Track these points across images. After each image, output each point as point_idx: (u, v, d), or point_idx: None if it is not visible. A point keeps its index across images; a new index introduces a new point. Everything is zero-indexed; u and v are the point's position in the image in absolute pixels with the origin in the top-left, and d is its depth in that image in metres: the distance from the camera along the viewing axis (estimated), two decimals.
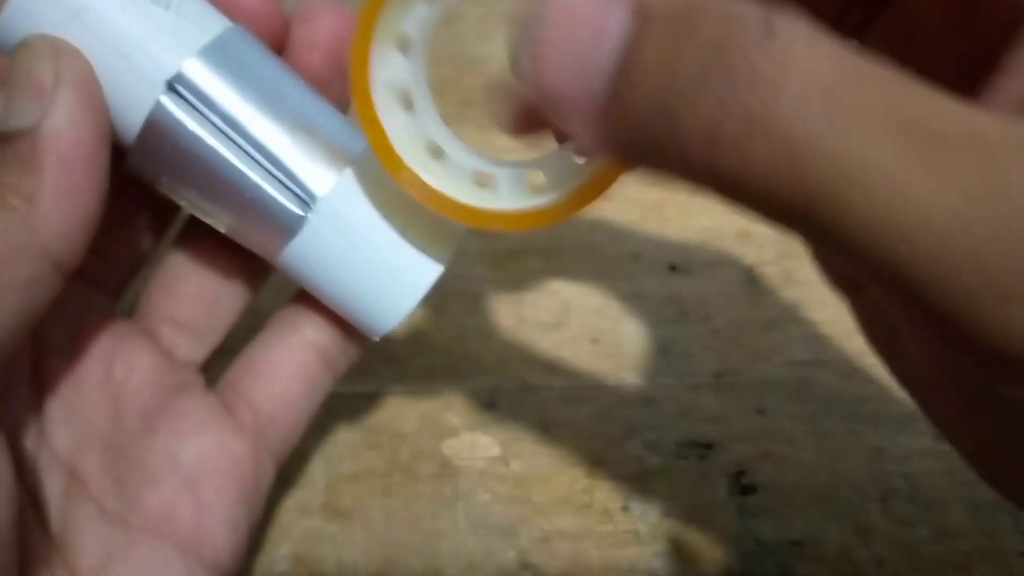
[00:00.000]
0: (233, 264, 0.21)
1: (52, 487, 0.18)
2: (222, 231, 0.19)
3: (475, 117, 0.40)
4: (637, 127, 0.12)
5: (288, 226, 0.18)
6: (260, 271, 0.22)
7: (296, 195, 0.18)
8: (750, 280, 0.30)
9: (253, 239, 0.19)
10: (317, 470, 0.26)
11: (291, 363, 0.20)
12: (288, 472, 0.26)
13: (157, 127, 0.17)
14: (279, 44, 0.20)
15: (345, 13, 0.20)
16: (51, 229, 0.15)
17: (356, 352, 0.22)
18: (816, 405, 0.27)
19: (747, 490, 0.26)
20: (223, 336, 0.21)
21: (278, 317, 0.21)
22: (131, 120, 0.17)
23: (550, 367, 0.28)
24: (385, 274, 0.18)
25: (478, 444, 0.27)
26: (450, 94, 0.41)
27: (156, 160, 0.18)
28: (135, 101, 0.17)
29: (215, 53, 0.17)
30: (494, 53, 0.44)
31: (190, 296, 0.21)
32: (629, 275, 0.30)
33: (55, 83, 0.16)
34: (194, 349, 0.21)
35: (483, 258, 0.31)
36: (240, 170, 0.17)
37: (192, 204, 0.18)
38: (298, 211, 0.18)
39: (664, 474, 0.26)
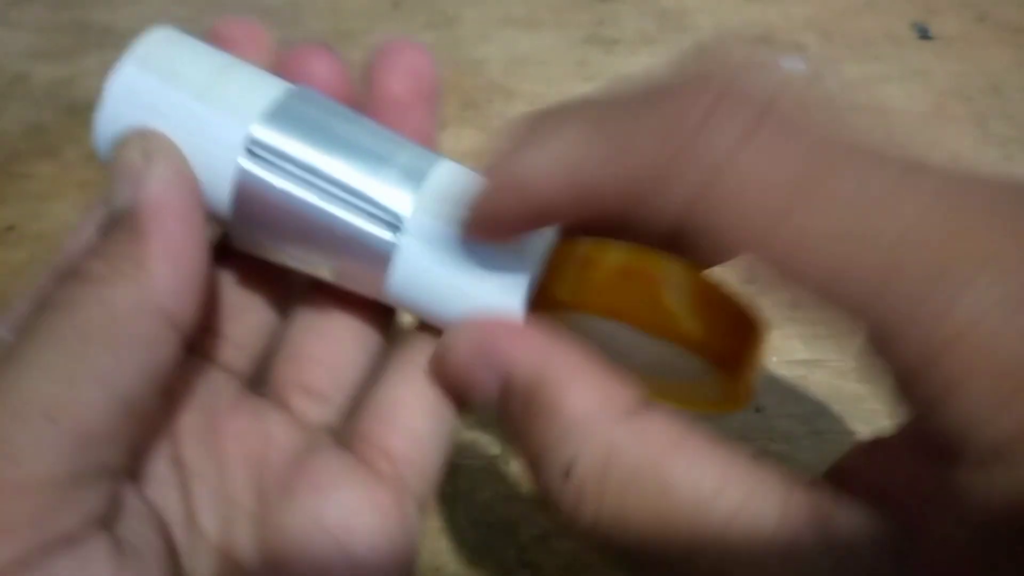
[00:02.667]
0: (351, 321, 0.21)
1: (205, 572, 0.18)
2: (330, 280, 0.19)
3: (475, 118, 0.41)
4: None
5: (383, 252, 0.18)
6: (379, 320, 0.21)
7: (383, 220, 0.18)
8: (749, 280, 0.31)
9: (358, 279, 0.19)
10: None
11: (417, 402, 0.20)
12: None
13: (245, 191, 0.18)
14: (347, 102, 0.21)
15: (422, 47, 0.21)
16: (161, 287, 0.17)
17: None
18: (813, 404, 0.28)
19: None
20: (353, 393, 0.21)
21: (395, 358, 0.21)
22: (221, 193, 0.18)
23: None
24: (487, 279, 0.18)
25: (478, 442, 0.27)
26: (450, 96, 0.41)
27: (252, 224, 0.19)
28: (220, 173, 0.18)
29: (279, 111, 0.18)
30: (493, 55, 0.44)
31: (315, 362, 0.21)
32: None
33: (145, 161, 0.18)
34: (325, 412, 0.21)
35: None
36: (326, 210, 0.18)
37: (295, 259, 0.19)
38: (388, 235, 0.18)
39: None
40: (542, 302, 0.18)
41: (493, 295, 0.18)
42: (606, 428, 0.16)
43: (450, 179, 0.18)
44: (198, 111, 0.18)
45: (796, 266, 0.14)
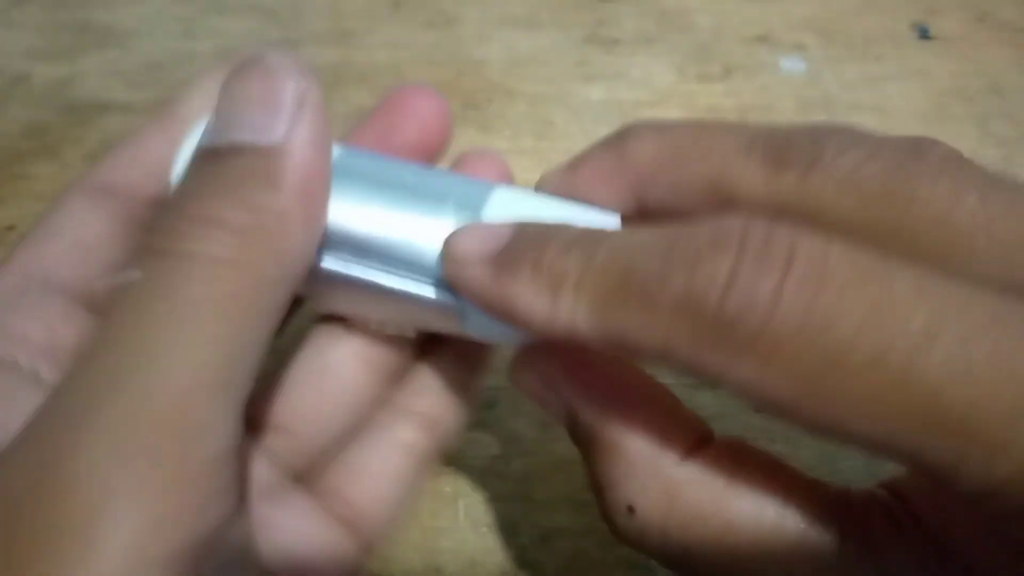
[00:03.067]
0: (348, 366, 0.21)
1: None
2: (413, 335, 0.20)
3: (476, 119, 0.41)
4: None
5: (453, 312, 0.18)
6: (379, 367, 0.21)
7: (446, 288, 0.18)
8: None
9: (437, 327, 0.19)
10: None
11: (386, 468, 0.20)
12: None
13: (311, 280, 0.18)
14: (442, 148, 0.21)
15: (436, 93, 0.21)
16: (297, 251, 0.16)
17: (454, 435, 0.22)
18: None
19: None
20: (330, 436, 0.21)
21: (374, 420, 0.21)
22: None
23: None
24: None
25: (479, 443, 0.27)
26: (450, 96, 0.41)
27: (319, 301, 0.19)
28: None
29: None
30: (494, 55, 0.44)
31: (300, 400, 0.20)
32: None
33: (297, 106, 0.16)
34: (294, 448, 0.20)
35: None
36: (387, 287, 0.18)
37: (372, 321, 0.20)
38: (453, 299, 0.18)
39: None
40: None
41: None
42: (667, 471, 0.17)
43: (504, 210, 0.18)
44: None
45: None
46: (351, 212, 0.18)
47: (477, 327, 0.18)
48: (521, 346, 0.19)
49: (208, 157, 0.16)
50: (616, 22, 0.47)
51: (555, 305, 0.15)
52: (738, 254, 0.13)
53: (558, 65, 0.44)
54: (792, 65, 0.43)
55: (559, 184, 0.20)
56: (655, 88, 0.42)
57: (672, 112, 0.40)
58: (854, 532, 0.16)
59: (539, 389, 0.18)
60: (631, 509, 0.17)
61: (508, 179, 0.22)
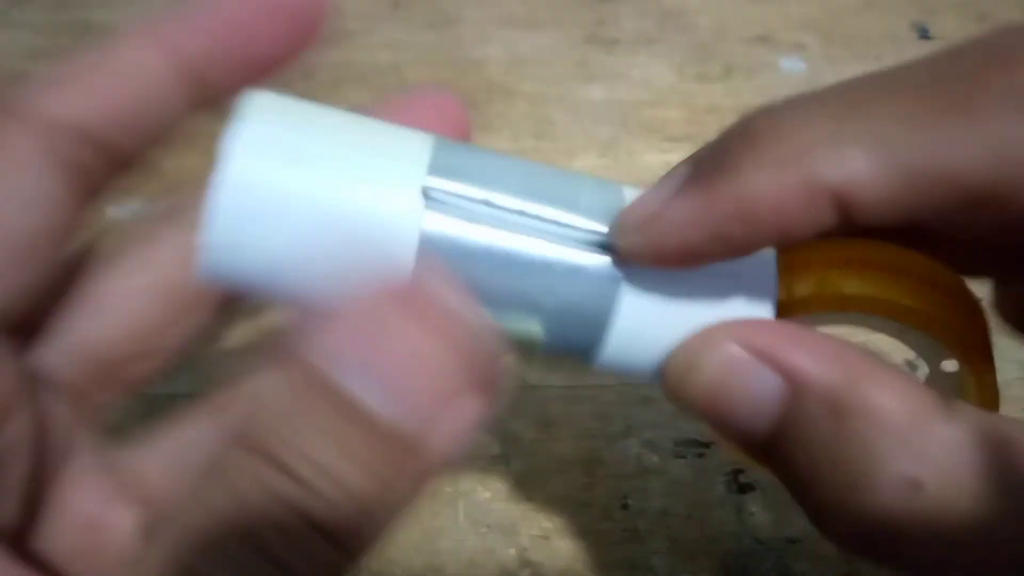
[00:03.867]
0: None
1: None
2: (542, 339, 0.15)
3: (475, 118, 0.41)
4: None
5: (606, 281, 0.15)
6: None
7: (600, 245, 0.15)
8: None
9: (576, 326, 0.15)
10: None
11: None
12: None
13: (434, 251, 0.14)
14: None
15: (450, 94, 0.19)
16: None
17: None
18: None
19: (745, 488, 0.26)
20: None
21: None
22: (403, 262, 0.14)
23: (550, 366, 0.28)
24: (731, 295, 0.15)
25: (478, 443, 0.27)
26: None
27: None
28: (400, 242, 0.14)
29: (441, 159, 0.15)
30: (494, 55, 0.44)
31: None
32: None
33: (459, 391, 0.12)
34: None
35: None
36: (528, 248, 0.15)
37: (500, 318, 0.15)
38: (607, 258, 0.15)
39: (663, 472, 0.26)
40: (780, 308, 0.16)
41: (739, 309, 0.15)
42: (943, 431, 0.13)
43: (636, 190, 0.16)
44: (343, 187, 0.14)
45: None
46: (474, 186, 0.15)
47: (632, 315, 0.15)
48: (698, 334, 0.15)
49: (324, 393, 0.12)
50: (616, 22, 0.47)
51: (812, 167, 0.13)
52: None
53: (558, 65, 0.44)
54: (792, 65, 0.43)
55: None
56: (655, 88, 0.42)
57: (672, 112, 0.40)
58: None
59: (738, 371, 0.14)
60: (916, 486, 0.13)
61: (465, 126, 0.19)
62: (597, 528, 0.25)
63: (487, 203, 0.15)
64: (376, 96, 0.43)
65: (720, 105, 0.41)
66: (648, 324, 0.15)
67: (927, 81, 0.14)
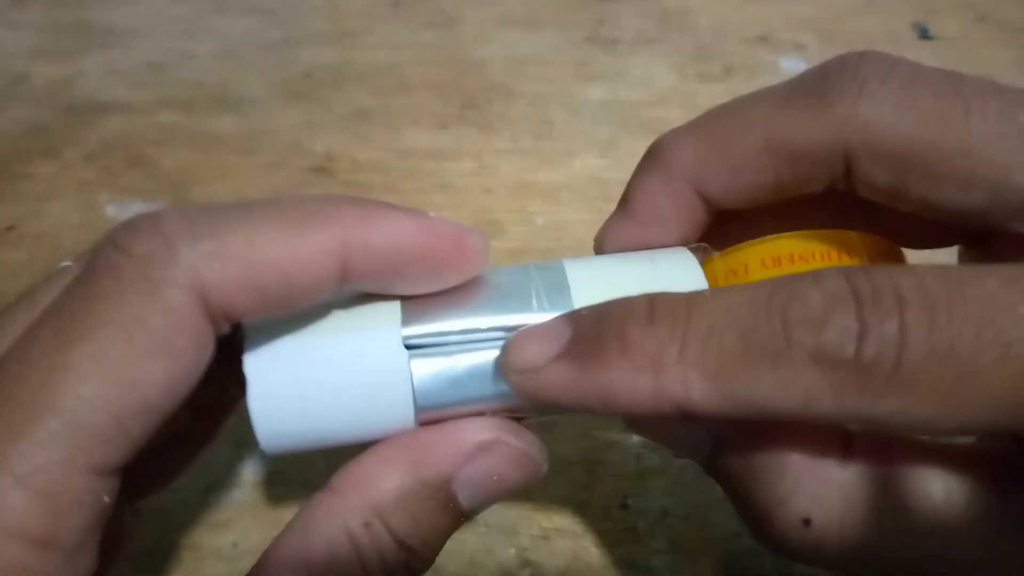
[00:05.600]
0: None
1: None
2: (535, 420, 0.19)
3: (475, 118, 0.41)
4: None
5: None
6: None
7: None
8: None
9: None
10: (320, 468, 0.26)
11: None
12: (291, 470, 0.26)
13: (424, 387, 0.17)
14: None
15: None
16: None
17: None
18: None
19: None
20: None
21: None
22: (402, 406, 0.17)
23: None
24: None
25: None
26: (451, 96, 0.41)
27: (445, 409, 0.18)
28: (394, 388, 0.17)
29: (409, 313, 0.18)
30: (493, 55, 0.44)
31: None
32: None
33: (509, 489, 0.18)
34: None
35: None
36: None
37: (504, 405, 0.18)
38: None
39: (662, 472, 0.26)
40: None
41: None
42: (835, 475, 0.17)
43: (585, 271, 0.18)
44: (344, 352, 0.17)
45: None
46: (441, 321, 0.17)
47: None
48: None
49: (434, 495, 0.17)
50: (616, 22, 0.47)
51: (660, 383, 0.15)
52: (858, 307, 0.14)
53: (558, 65, 0.44)
54: (792, 65, 0.43)
55: (621, 235, 0.20)
56: (655, 88, 0.42)
57: (672, 112, 0.40)
58: (1006, 481, 0.16)
59: (671, 429, 0.18)
60: (807, 521, 0.16)
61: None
62: (597, 528, 0.25)
63: (458, 331, 0.17)
64: (376, 96, 0.43)
65: None
66: None
67: (776, 93, 0.18)
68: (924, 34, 0.45)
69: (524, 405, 0.18)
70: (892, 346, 0.14)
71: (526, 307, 0.18)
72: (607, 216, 0.21)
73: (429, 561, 0.18)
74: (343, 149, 0.39)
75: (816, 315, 0.14)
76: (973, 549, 0.16)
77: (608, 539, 0.25)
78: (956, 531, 0.16)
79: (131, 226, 0.16)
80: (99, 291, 0.15)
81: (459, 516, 0.18)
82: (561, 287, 0.18)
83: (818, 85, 0.18)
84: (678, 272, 0.18)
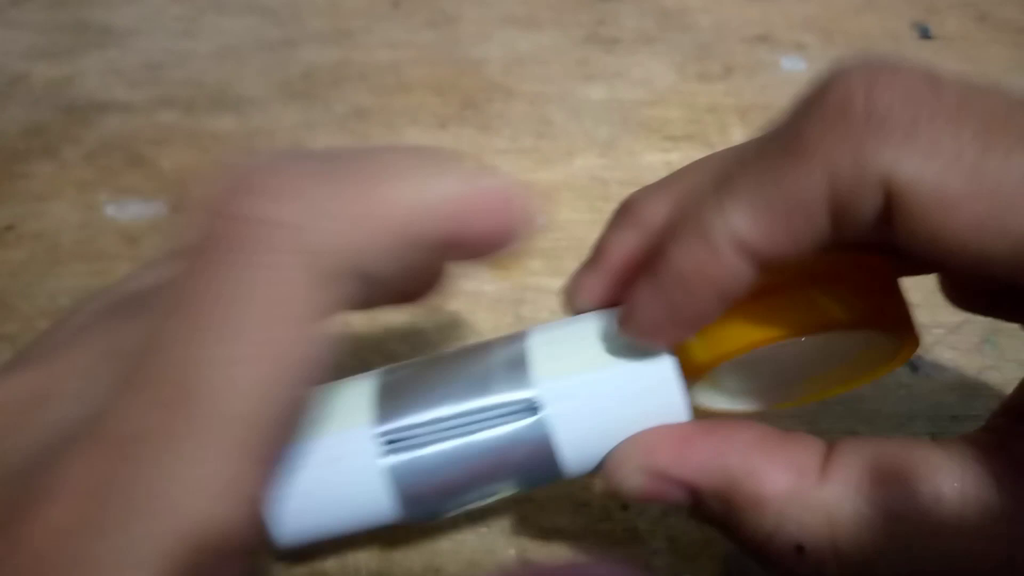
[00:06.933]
0: None
1: None
2: (516, 490, 0.19)
3: (475, 118, 0.41)
4: None
5: (540, 435, 0.18)
6: None
7: (521, 412, 0.18)
8: None
9: (536, 473, 0.19)
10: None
11: None
12: None
13: (403, 483, 0.18)
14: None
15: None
16: None
17: None
18: (814, 403, 0.28)
19: None
20: None
21: None
22: (382, 503, 0.18)
23: None
24: (643, 397, 0.18)
25: None
26: (450, 95, 0.41)
27: (426, 505, 0.19)
28: (374, 486, 0.18)
29: (383, 401, 0.19)
30: (493, 55, 0.44)
31: None
32: None
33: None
34: None
35: None
36: (472, 442, 0.18)
37: (476, 500, 0.19)
38: (532, 418, 0.18)
39: None
40: (687, 372, 0.18)
41: (656, 409, 0.18)
42: (816, 498, 0.16)
43: (547, 341, 0.19)
44: (323, 456, 0.18)
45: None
46: (411, 415, 0.18)
47: (571, 448, 0.18)
48: (614, 457, 0.18)
49: None
50: (616, 22, 0.47)
51: None
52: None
53: (558, 65, 0.44)
54: (792, 65, 0.43)
55: (593, 287, 0.20)
56: (655, 88, 0.42)
57: (672, 111, 0.40)
58: (999, 470, 0.16)
59: (651, 487, 0.18)
60: (800, 549, 0.16)
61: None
62: (597, 528, 0.25)
63: (427, 423, 0.18)
64: (376, 95, 0.43)
65: (720, 105, 0.41)
66: (586, 440, 0.18)
67: (759, 152, 0.16)
68: (924, 34, 0.45)
69: (501, 488, 0.19)
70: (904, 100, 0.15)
71: (486, 387, 0.18)
72: (607, 216, 0.21)
73: None
74: (337, 148, 0.39)
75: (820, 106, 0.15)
76: (988, 544, 0.15)
77: (608, 539, 0.25)
78: (967, 527, 0.15)
79: (230, 191, 0.15)
80: (220, 268, 0.14)
81: None
82: (521, 359, 0.19)
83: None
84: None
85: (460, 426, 0.18)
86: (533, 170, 0.37)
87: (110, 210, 0.36)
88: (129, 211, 0.36)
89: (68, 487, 0.13)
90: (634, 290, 0.17)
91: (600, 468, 0.19)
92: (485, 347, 0.19)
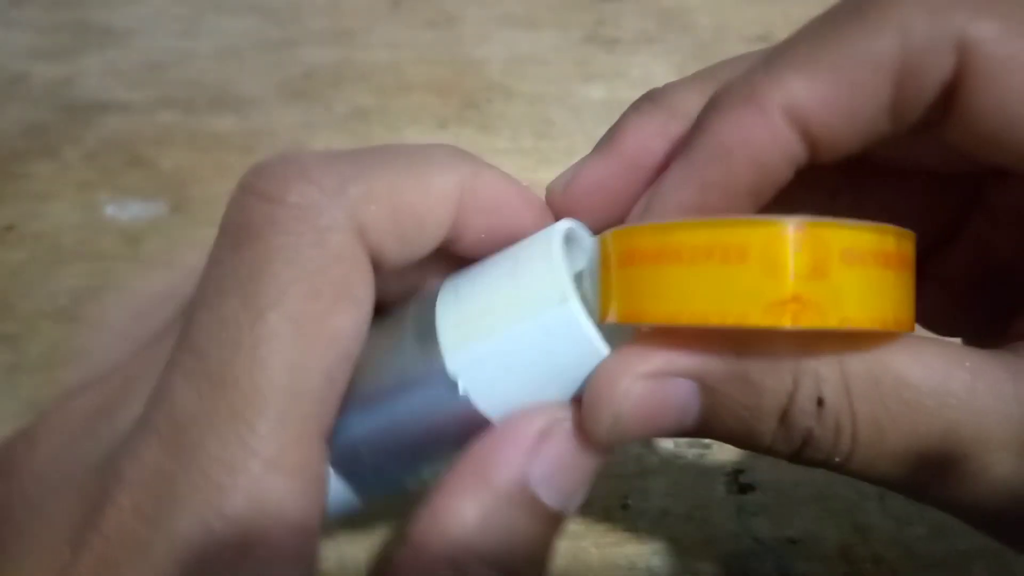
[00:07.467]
0: None
1: None
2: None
3: (475, 118, 0.41)
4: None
5: (467, 407, 0.17)
6: None
7: (447, 391, 0.17)
8: None
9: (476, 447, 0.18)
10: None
11: None
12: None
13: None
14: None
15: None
16: None
17: None
18: None
19: (745, 488, 0.26)
20: None
21: None
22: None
23: None
24: (548, 340, 0.17)
25: None
26: (450, 96, 0.41)
27: (370, 473, 0.18)
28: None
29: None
30: (493, 55, 0.44)
31: None
32: None
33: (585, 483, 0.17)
34: None
35: None
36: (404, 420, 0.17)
37: (428, 477, 0.18)
38: (454, 393, 0.17)
39: (663, 472, 0.26)
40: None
41: (574, 356, 0.17)
42: (832, 366, 0.15)
43: (454, 300, 0.18)
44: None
45: None
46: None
47: (500, 408, 0.17)
48: (593, 389, 0.17)
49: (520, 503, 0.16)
50: (616, 22, 0.47)
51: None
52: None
53: (558, 65, 0.44)
54: None
55: (599, 176, 0.19)
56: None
57: None
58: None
59: (650, 404, 0.16)
60: (820, 403, 0.15)
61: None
62: (597, 528, 0.25)
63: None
64: (376, 95, 0.43)
65: None
66: (514, 400, 0.17)
67: (823, 20, 0.15)
68: None
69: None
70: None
71: (413, 368, 0.17)
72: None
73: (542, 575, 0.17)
74: (343, 149, 0.39)
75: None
76: (987, 426, 0.14)
77: (608, 539, 0.25)
78: (966, 407, 0.14)
79: (272, 174, 0.15)
80: (268, 249, 0.14)
81: (552, 518, 0.16)
82: (430, 333, 0.18)
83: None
84: (542, 281, 0.17)
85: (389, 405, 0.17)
86: (533, 170, 0.37)
87: (110, 210, 0.36)
88: (129, 211, 0.36)
89: (128, 477, 0.14)
90: (660, 178, 0.16)
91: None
92: (399, 319, 0.18)
